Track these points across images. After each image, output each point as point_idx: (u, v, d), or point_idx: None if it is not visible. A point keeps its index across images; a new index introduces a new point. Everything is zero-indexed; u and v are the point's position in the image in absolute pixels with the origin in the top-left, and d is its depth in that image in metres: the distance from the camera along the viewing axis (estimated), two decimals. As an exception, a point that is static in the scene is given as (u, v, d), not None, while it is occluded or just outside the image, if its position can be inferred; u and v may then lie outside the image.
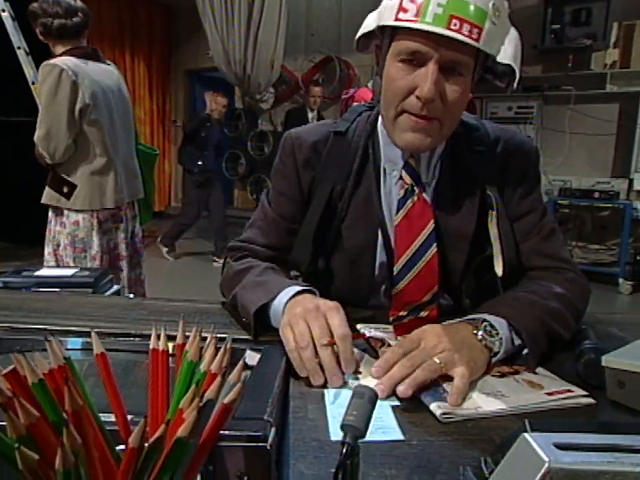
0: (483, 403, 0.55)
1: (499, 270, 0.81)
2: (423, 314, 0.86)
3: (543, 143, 4.42)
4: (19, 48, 2.55)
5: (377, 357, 0.66)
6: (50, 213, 1.95)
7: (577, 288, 0.79)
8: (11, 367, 0.26)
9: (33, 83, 2.52)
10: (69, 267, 1.87)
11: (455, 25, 0.67)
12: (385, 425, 0.51)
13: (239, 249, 0.92)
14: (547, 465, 0.32)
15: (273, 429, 0.37)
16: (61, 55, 1.88)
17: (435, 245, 0.82)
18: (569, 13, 4.32)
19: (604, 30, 4.17)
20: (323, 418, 0.52)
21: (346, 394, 0.58)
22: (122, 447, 0.29)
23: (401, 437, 0.49)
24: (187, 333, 0.36)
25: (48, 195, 1.89)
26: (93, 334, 0.31)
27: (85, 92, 1.84)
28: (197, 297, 0.96)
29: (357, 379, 0.62)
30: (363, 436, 0.34)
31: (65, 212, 1.90)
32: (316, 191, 0.87)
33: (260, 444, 0.34)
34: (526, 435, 0.35)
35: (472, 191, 0.83)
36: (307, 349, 0.61)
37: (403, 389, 0.57)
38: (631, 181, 4.25)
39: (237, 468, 0.33)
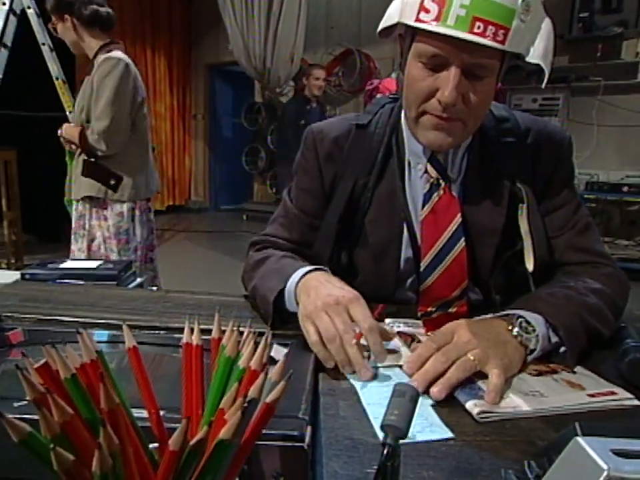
0: (520, 402, 0.52)
1: (529, 265, 0.78)
2: (452, 310, 0.83)
3: (569, 136, 4.30)
4: (43, 44, 2.57)
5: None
6: (84, 207, 1.95)
7: (616, 283, 0.75)
8: (42, 361, 0.25)
9: (57, 79, 2.55)
10: (95, 259, 1.90)
11: (479, 27, 0.64)
12: (432, 423, 0.49)
13: (260, 242, 0.91)
14: (605, 473, 0.29)
15: (309, 428, 0.35)
16: (104, 47, 1.87)
17: (462, 239, 0.79)
18: (596, 1, 4.18)
19: (636, 17, 4.02)
20: (355, 415, 0.50)
21: (378, 387, 0.57)
22: (154, 445, 0.28)
23: (451, 435, 0.47)
24: (223, 327, 0.34)
25: (90, 188, 1.91)
26: (124, 327, 0.30)
27: (140, 87, 1.91)
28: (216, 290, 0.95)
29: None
30: (405, 436, 0.32)
31: (109, 204, 1.92)
32: (338, 185, 0.85)
33: (297, 444, 0.32)
34: (579, 439, 0.32)
35: (501, 184, 0.80)
36: (334, 341, 0.59)
37: (436, 391, 0.54)
38: (662, 175, 4.11)
39: (272, 468, 0.31)
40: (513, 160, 0.79)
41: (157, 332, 0.71)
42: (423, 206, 0.80)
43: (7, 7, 3.22)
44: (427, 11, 0.66)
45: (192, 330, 0.31)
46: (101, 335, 0.72)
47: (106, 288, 0.96)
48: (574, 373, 0.61)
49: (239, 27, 5.43)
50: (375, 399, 0.54)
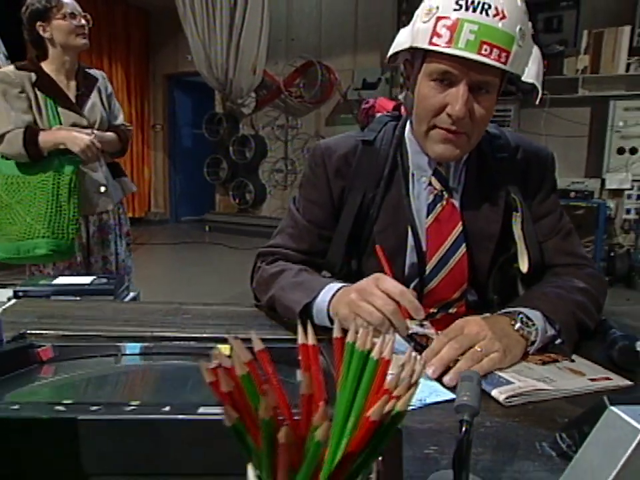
0: (540, 384, 0.60)
1: (523, 267, 0.87)
2: (452, 310, 0.91)
3: (521, 145, 4.57)
4: None
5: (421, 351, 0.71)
6: (113, 214, 1.94)
7: (597, 283, 0.85)
8: (215, 362, 0.29)
9: None
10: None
11: (486, 50, 0.73)
12: (436, 390, 0.61)
13: (270, 254, 0.95)
14: (640, 431, 0.37)
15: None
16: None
17: (463, 245, 0.87)
18: (541, 20, 4.50)
19: (575, 37, 4.37)
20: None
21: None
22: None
23: (453, 396, 0.57)
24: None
25: (121, 189, 1.96)
26: (253, 335, 0.33)
27: None
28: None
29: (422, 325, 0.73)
30: (478, 413, 0.38)
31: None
32: (347, 198, 0.91)
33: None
34: (614, 408, 0.40)
35: (497, 195, 0.89)
36: (383, 324, 0.67)
37: (448, 379, 0.63)
38: (603, 181, 4.44)
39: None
40: (506, 173, 0.89)
41: (188, 342, 0.74)
42: (428, 215, 0.88)
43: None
44: (439, 36, 0.74)
45: (305, 332, 0.35)
46: (133, 347, 0.75)
47: (120, 303, 0.97)
48: (573, 361, 0.69)
49: (201, 37, 5.42)
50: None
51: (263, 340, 0.84)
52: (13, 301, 1.06)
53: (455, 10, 0.74)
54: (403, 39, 0.83)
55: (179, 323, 0.83)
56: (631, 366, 0.65)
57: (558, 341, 0.74)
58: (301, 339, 0.35)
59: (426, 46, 0.76)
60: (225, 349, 0.77)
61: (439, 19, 0.75)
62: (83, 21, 1.76)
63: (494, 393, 0.59)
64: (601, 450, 0.40)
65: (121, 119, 1.96)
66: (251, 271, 0.98)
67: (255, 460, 0.27)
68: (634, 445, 0.37)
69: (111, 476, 0.37)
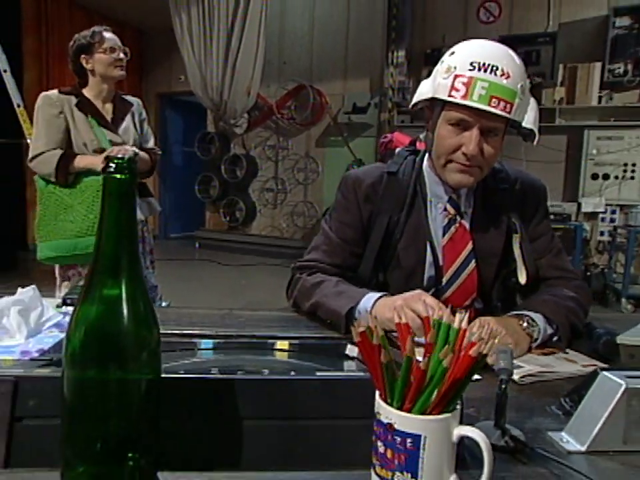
0: (541, 368, 0.77)
1: (522, 279, 1.04)
2: (463, 316, 1.08)
3: (503, 170, 4.85)
4: (5, 71, 2.68)
5: None
6: (144, 227, 2.13)
7: (583, 292, 1.03)
8: (363, 328, 0.44)
9: (19, 106, 2.65)
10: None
11: (494, 102, 0.91)
12: None
13: (307, 267, 1.11)
14: (624, 386, 0.53)
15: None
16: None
17: (473, 261, 1.04)
18: (521, 53, 4.76)
19: (552, 70, 4.70)
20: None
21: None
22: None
23: (479, 377, 0.72)
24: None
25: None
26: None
27: None
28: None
29: None
30: (512, 374, 0.54)
31: None
32: (375, 221, 1.08)
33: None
34: (604, 372, 0.56)
35: (500, 219, 1.06)
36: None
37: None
38: (579, 205, 4.73)
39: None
40: (507, 201, 1.07)
41: (251, 340, 0.88)
42: (443, 235, 1.05)
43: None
44: (457, 90, 0.92)
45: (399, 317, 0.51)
46: (207, 343, 0.89)
47: (180, 308, 1.10)
48: (567, 353, 0.87)
49: (197, 59, 5.60)
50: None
51: (312, 337, 1.04)
52: (70, 308, 1.19)
53: (469, 70, 0.92)
54: (425, 90, 1.01)
55: (236, 324, 0.97)
56: (613, 356, 0.82)
57: (555, 338, 0.91)
58: (396, 319, 0.50)
59: (446, 97, 0.94)
60: (281, 344, 0.95)
61: (456, 76, 0.93)
62: (122, 55, 1.94)
63: (510, 374, 0.75)
64: (596, 402, 0.57)
65: (152, 143, 2.14)
66: (288, 282, 1.13)
67: (388, 390, 0.43)
68: (619, 394, 0.53)
69: (258, 419, 0.51)
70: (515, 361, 0.78)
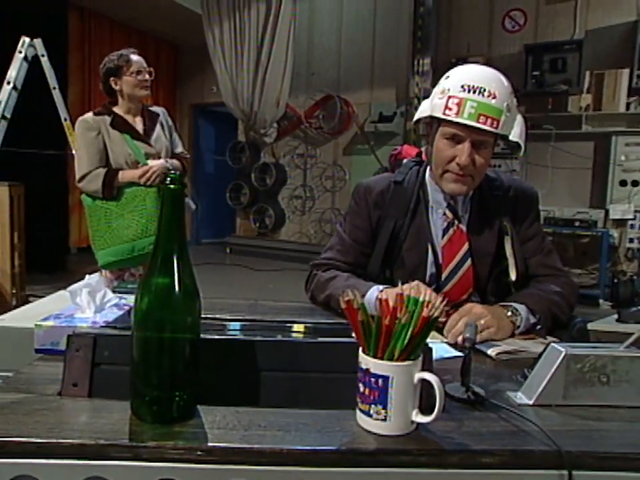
0: (517, 347, 0.90)
1: (513, 276, 1.17)
2: (461, 309, 1.21)
3: (528, 176, 4.89)
4: (54, 88, 2.92)
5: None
6: None
7: (569, 288, 1.15)
8: (346, 298, 0.59)
9: (65, 120, 2.90)
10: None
11: (482, 119, 1.05)
12: (448, 350, 0.91)
13: (323, 264, 1.26)
14: (564, 353, 0.66)
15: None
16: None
17: (469, 260, 1.18)
18: (547, 61, 4.87)
19: (578, 77, 4.71)
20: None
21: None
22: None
23: (459, 354, 0.85)
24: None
25: None
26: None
27: None
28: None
29: None
30: (475, 343, 0.68)
31: None
32: (383, 224, 1.22)
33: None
34: (553, 344, 0.70)
35: (493, 222, 1.19)
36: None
37: (460, 341, 0.91)
38: (606, 211, 4.71)
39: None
40: (500, 206, 1.19)
41: (273, 323, 1.04)
42: (442, 237, 1.18)
43: (22, 55, 3.56)
44: (450, 109, 1.07)
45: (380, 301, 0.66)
46: (235, 325, 1.05)
47: (211, 299, 1.27)
48: (545, 339, 0.99)
49: (228, 72, 5.88)
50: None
51: (324, 323, 1.20)
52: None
53: (460, 91, 1.06)
54: (424, 109, 1.16)
55: (260, 312, 1.14)
56: (585, 340, 0.94)
57: (538, 327, 1.03)
58: (381, 296, 0.65)
59: (440, 115, 1.08)
60: (298, 327, 1.12)
61: (449, 97, 1.07)
62: (147, 76, 2.16)
63: (489, 351, 0.88)
64: (543, 368, 0.70)
65: (180, 148, 2.34)
66: (306, 277, 1.29)
67: (366, 343, 0.57)
68: (559, 359, 0.67)
69: (272, 371, 0.67)
70: (493, 342, 0.92)
